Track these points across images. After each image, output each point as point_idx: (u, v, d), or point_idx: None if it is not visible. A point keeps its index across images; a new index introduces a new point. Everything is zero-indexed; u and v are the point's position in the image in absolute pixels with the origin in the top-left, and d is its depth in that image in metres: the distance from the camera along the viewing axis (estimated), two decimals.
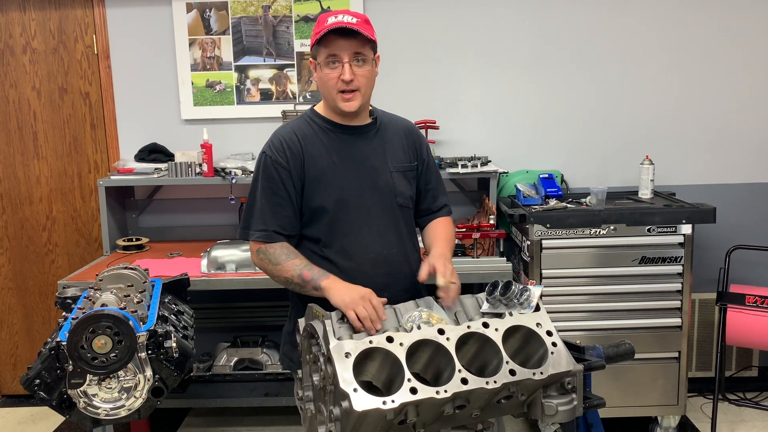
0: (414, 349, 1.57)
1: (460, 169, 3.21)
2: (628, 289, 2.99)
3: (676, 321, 3.01)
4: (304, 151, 1.90)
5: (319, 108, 1.99)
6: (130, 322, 1.95)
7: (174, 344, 2.05)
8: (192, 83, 3.45)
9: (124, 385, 2.01)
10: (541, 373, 1.58)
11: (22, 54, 3.48)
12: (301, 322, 1.72)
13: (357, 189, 1.92)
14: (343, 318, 1.71)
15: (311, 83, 3.46)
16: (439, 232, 2.07)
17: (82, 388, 1.97)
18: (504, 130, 3.56)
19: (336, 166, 1.91)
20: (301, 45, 3.42)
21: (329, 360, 1.51)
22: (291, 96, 3.46)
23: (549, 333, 1.67)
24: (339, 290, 1.74)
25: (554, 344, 1.64)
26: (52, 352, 1.96)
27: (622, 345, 1.92)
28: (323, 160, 1.91)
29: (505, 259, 2.90)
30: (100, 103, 3.51)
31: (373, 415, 1.43)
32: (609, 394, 3.06)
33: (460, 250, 3.01)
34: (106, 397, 2.00)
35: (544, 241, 2.95)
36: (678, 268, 2.97)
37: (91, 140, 3.55)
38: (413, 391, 1.46)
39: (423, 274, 1.86)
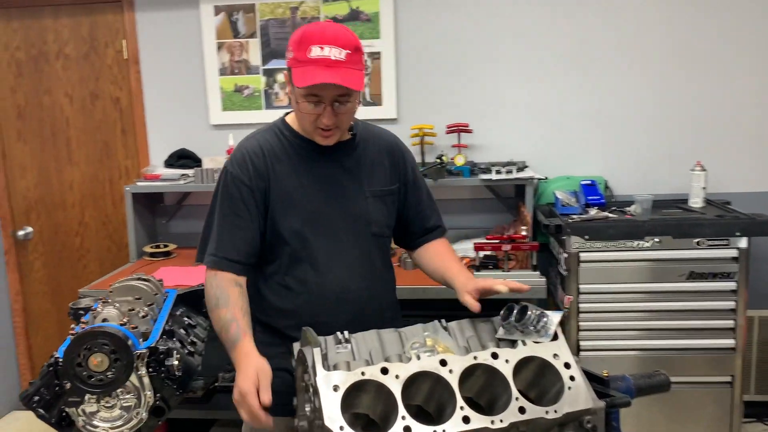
0: (414, 379, 1.43)
1: (493, 176, 3.04)
2: (674, 307, 2.76)
3: (729, 342, 2.76)
4: (270, 168, 1.70)
5: (292, 119, 1.78)
6: (128, 340, 1.87)
7: (176, 362, 1.96)
8: (220, 88, 3.40)
9: (124, 404, 1.93)
10: (555, 411, 1.41)
11: (56, 60, 3.50)
12: (296, 347, 1.60)
13: (326, 215, 1.73)
14: (343, 341, 1.58)
15: None
16: (446, 254, 1.84)
17: (81, 407, 1.91)
18: (544, 134, 3.36)
19: (304, 188, 1.72)
20: None
21: (316, 392, 1.38)
22: None
23: (567, 365, 1.49)
24: (237, 375, 1.57)
25: (572, 378, 1.47)
26: (51, 368, 1.90)
27: (656, 376, 1.73)
28: (290, 180, 1.71)
29: (538, 273, 2.71)
30: (130, 108, 3.49)
31: None
32: (654, 420, 2.86)
33: (491, 263, 2.84)
34: (106, 416, 1.93)
35: (582, 254, 2.75)
36: (731, 285, 2.72)
37: (122, 146, 3.54)
38: (407, 430, 1.33)
39: (475, 306, 1.65)
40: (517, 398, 1.41)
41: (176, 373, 1.98)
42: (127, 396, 1.94)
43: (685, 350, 2.78)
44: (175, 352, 1.99)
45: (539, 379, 1.53)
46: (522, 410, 1.40)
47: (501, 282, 1.59)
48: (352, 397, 1.43)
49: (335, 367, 1.48)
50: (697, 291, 2.73)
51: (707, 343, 2.77)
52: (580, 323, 2.78)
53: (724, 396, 2.81)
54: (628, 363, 2.77)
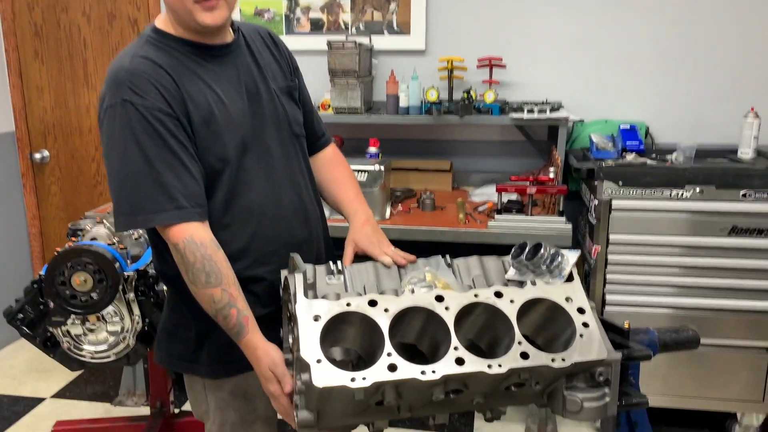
0: (406, 314, 1.29)
1: (525, 115, 2.82)
2: (712, 264, 2.53)
3: None
4: (181, 86, 1.37)
5: (164, 25, 1.43)
6: (115, 261, 1.77)
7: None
8: (240, 11, 3.22)
9: (110, 328, 1.85)
10: (563, 360, 1.25)
11: None
12: (284, 274, 1.46)
13: (251, 126, 1.47)
14: (336, 272, 1.44)
15: (365, 12, 3.13)
16: (344, 181, 1.70)
17: (66, 328, 1.83)
18: (583, 73, 3.11)
19: (222, 101, 1.43)
20: None
21: (295, 321, 1.25)
22: (343, 27, 3.16)
23: (581, 310, 1.33)
24: (257, 372, 1.41)
25: (585, 325, 1.31)
26: (35, 285, 1.82)
27: (684, 331, 1.56)
28: (205, 96, 1.40)
29: (564, 219, 2.52)
30: None
31: (339, 392, 1.17)
32: (681, 382, 2.67)
33: (515, 207, 2.65)
34: (92, 339, 1.86)
35: (614, 201, 2.53)
36: None
37: None
38: (392, 368, 1.19)
39: (349, 258, 1.55)
40: (520, 342, 1.26)
41: None
42: (114, 320, 1.85)
43: (720, 311, 2.57)
44: None
45: (548, 324, 1.37)
46: (525, 356, 1.24)
47: (387, 256, 1.49)
48: (336, 329, 1.29)
49: (324, 298, 1.35)
50: (739, 248, 2.50)
51: (746, 304, 2.55)
52: (608, 275, 2.59)
53: (760, 362, 2.60)
54: (656, 321, 2.58)
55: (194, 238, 1.36)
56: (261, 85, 1.51)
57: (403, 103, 2.95)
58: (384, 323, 1.24)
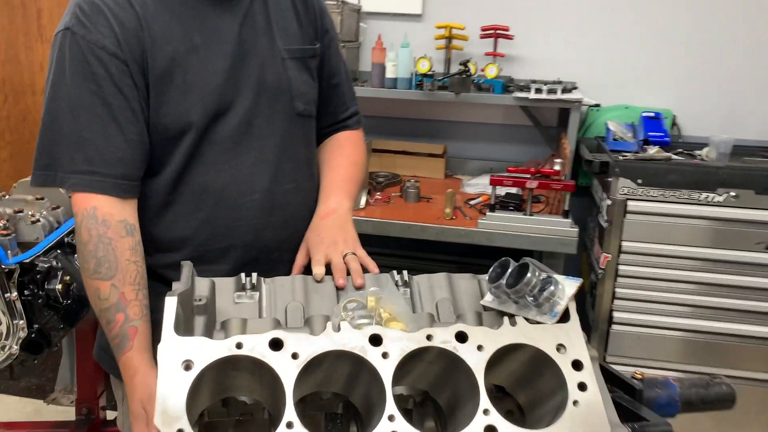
0: (325, 358, 0.90)
1: (531, 94, 2.42)
2: (742, 282, 2.19)
3: None
4: (145, 25, 1.12)
5: None
6: None
7: (60, 286, 1.49)
8: None
9: None
10: None
11: None
12: (176, 287, 1.07)
13: (233, 89, 1.18)
14: (249, 287, 1.06)
15: None
16: (339, 163, 1.35)
17: None
18: (601, 50, 2.77)
19: (198, 52, 1.16)
20: None
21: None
22: None
23: (577, 365, 0.94)
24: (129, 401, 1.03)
25: (582, 387, 0.92)
26: None
27: (715, 385, 1.23)
28: (177, 41, 1.14)
29: (570, 221, 2.12)
30: None
31: None
32: (698, 420, 2.30)
33: (513, 203, 2.26)
34: None
35: (630, 202, 2.17)
36: None
37: None
38: None
39: (299, 265, 1.21)
40: (486, 411, 0.88)
41: (61, 300, 1.51)
42: None
43: (746, 338, 2.21)
44: (61, 273, 1.51)
45: (532, 378, 0.98)
46: (491, 431, 0.86)
47: (320, 266, 1.13)
48: (226, 376, 0.91)
49: (223, 326, 0.97)
50: None
51: None
52: (617, 290, 2.23)
53: None
54: (670, 346, 2.22)
55: (97, 212, 1.10)
56: (263, 42, 1.23)
57: (390, 74, 2.55)
58: (289, 376, 0.86)
